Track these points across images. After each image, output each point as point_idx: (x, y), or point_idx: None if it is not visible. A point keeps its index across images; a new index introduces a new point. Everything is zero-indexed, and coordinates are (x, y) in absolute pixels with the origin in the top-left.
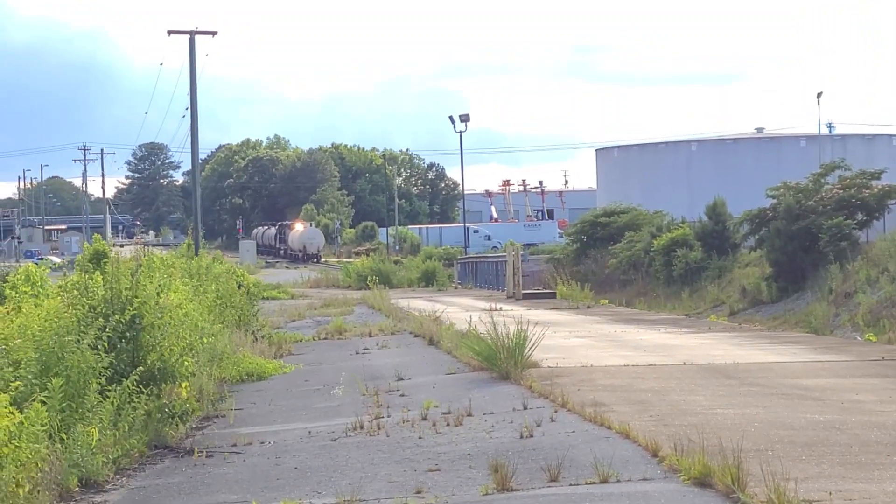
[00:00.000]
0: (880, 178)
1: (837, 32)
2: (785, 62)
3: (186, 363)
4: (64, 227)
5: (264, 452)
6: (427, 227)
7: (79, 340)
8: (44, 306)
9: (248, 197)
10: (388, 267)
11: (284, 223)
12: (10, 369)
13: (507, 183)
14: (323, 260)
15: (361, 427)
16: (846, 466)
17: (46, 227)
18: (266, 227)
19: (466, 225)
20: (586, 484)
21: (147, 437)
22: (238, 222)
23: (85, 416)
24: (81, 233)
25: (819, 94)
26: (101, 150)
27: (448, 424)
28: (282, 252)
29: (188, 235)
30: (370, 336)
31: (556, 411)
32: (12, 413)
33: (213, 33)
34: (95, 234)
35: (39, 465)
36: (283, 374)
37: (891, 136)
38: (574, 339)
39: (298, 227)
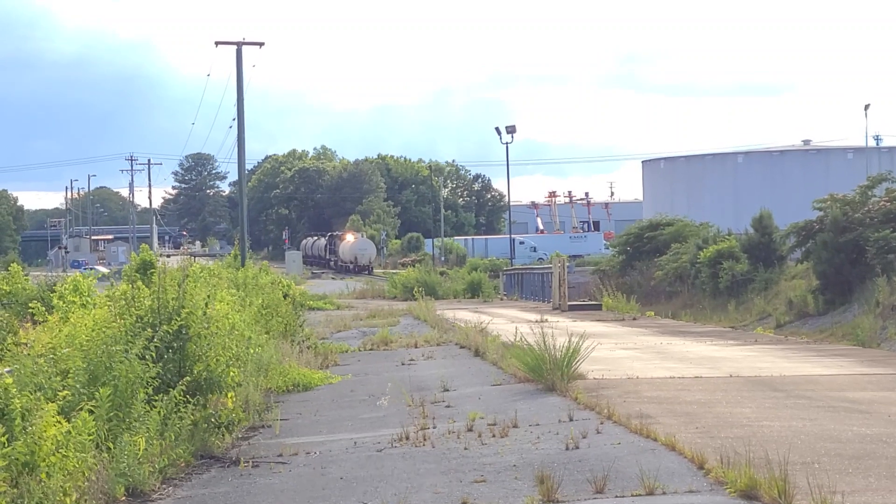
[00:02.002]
0: None
1: (885, 44)
2: (833, 74)
3: (233, 373)
4: (111, 236)
5: (310, 463)
6: (473, 239)
7: (126, 350)
8: (91, 316)
9: (295, 208)
10: (433, 278)
11: (335, 234)
12: (58, 378)
13: (552, 194)
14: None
15: (407, 438)
16: (893, 480)
17: (93, 237)
18: (315, 238)
19: (512, 236)
20: (632, 496)
21: (193, 447)
22: (284, 233)
23: (132, 426)
24: (128, 243)
25: (867, 107)
26: (148, 160)
27: (494, 435)
28: (332, 263)
29: (234, 246)
30: (416, 347)
31: (601, 423)
32: (60, 422)
33: (261, 44)
34: (142, 244)
35: (86, 475)
36: (328, 384)
37: None
38: (620, 351)
39: (349, 237)
